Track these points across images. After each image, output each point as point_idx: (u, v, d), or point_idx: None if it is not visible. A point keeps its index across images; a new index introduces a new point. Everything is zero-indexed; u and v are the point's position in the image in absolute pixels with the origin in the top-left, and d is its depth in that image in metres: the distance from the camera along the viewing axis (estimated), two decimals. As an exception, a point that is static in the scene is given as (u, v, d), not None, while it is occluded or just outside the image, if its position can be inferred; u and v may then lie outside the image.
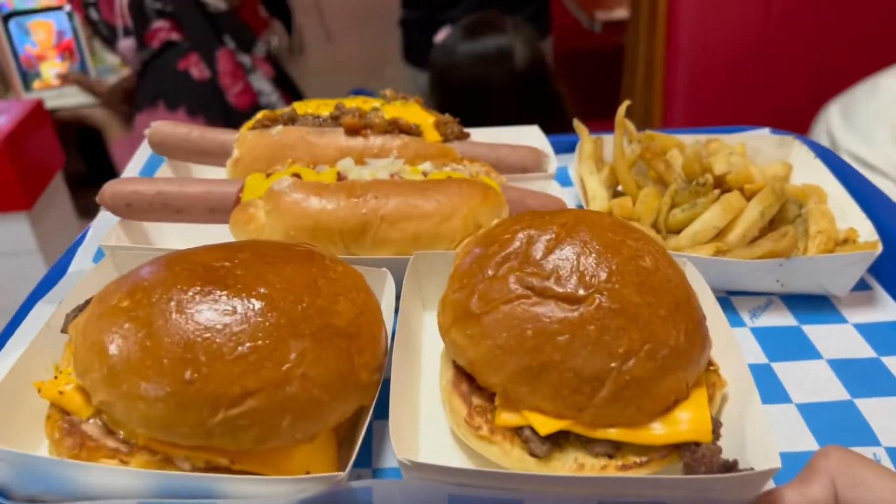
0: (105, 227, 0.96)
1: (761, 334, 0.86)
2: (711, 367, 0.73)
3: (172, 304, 0.61)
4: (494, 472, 0.62)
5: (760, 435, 0.64)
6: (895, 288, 0.92)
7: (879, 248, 0.88)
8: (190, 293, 0.62)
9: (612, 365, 0.64)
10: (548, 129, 1.19)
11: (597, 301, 0.65)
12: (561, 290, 0.66)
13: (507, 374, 0.66)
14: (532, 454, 0.66)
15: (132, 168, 1.16)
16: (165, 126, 1.09)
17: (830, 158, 1.13)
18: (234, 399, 0.58)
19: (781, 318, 0.89)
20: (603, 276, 0.67)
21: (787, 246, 0.86)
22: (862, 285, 0.93)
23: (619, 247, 0.70)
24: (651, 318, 0.66)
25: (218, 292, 0.62)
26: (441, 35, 2.52)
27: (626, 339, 0.64)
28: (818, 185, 1.01)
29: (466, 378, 0.72)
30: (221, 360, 0.59)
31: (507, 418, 0.67)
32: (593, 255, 0.68)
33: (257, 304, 0.62)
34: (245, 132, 1.05)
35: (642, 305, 0.66)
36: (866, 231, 0.93)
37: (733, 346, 0.73)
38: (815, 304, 0.91)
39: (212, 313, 0.61)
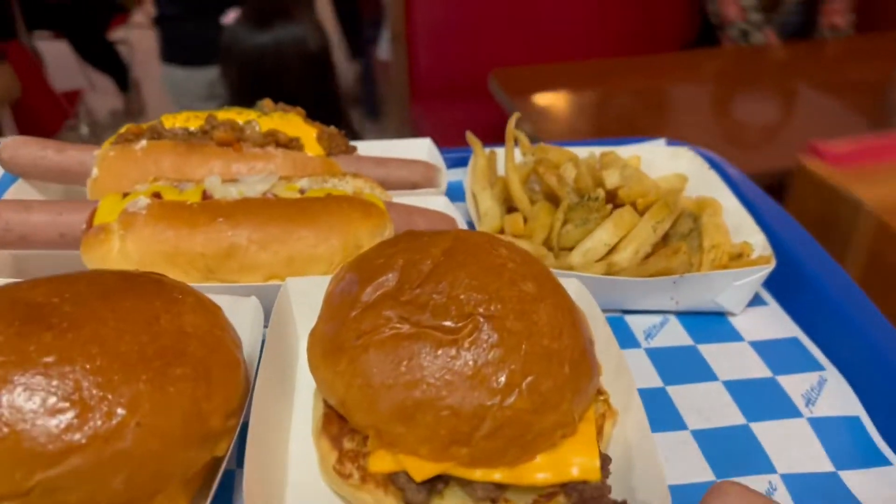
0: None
1: (656, 355, 0.83)
2: (601, 397, 0.69)
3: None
4: None
5: (651, 471, 0.60)
6: (790, 303, 0.91)
7: (773, 264, 0.86)
8: (3, 336, 0.53)
9: (493, 401, 0.58)
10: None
11: (475, 333, 0.60)
12: (437, 321, 0.60)
13: (379, 415, 0.60)
14: (408, 503, 0.60)
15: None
16: (17, 142, 0.98)
17: (723, 169, 1.11)
18: (53, 457, 0.50)
19: (677, 338, 0.86)
20: (482, 304, 0.61)
21: (680, 263, 0.83)
22: (757, 300, 0.91)
23: (500, 271, 0.64)
24: (533, 347, 0.61)
25: (38, 334, 0.54)
26: (230, 17, 2.44)
27: (506, 372, 0.59)
28: (712, 197, 0.99)
29: (338, 418, 0.65)
30: (38, 413, 0.51)
31: (381, 464, 0.61)
32: (472, 281, 0.63)
33: (84, 347, 0.54)
34: (106, 148, 0.96)
35: (524, 335, 0.61)
36: (760, 244, 0.91)
37: (624, 372, 0.69)
38: (710, 322, 0.88)
39: (28, 359, 0.52)
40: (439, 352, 0.59)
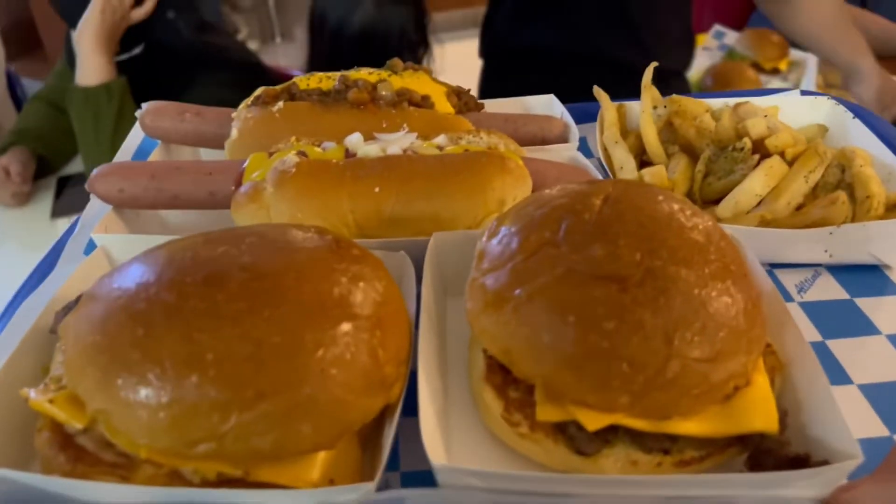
0: (96, 216, 0.88)
1: (812, 310, 0.79)
2: (768, 349, 0.67)
3: (172, 299, 0.54)
4: (540, 476, 0.55)
5: (831, 422, 0.58)
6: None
7: None
8: (191, 287, 0.55)
9: (667, 350, 0.57)
10: None
11: (646, 281, 0.58)
12: (605, 270, 0.59)
13: (548, 365, 0.59)
14: (579, 452, 0.60)
15: (123, 152, 1.08)
16: (157, 107, 1.01)
17: (868, 118, 1.06)
18: (247, 402, 0.52)
19: (831, 292, 0.82)
20: (651, 253, 0.60)
21: (839, 212, 0.80)
22: (912, 253, 0.87)
23: (668, 220, 0.63)
24: (706, 297, 0.59)
25: (225, 284, 0.55)
26: None
27: (679, 321, 0.57)
28: (860, 146, 0.94)
29: (500, 369, 0.65)
30: (230, 360, 0.52)
31: (550, 413, 0.60)
32: (639, 230, 0.61)
33: (268, 297, 0.55)
34: (243, 111, 0.98)
35: (695, 284, 0.59)
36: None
37: (790, 324, 0.67)
38: (865, 275, 0.84)
39: (217, 308, 0.54)
40: (609, 300, 0.58)
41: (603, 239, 0.61)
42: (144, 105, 1.01)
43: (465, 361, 0.71)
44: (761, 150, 0.89)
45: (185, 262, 0.58)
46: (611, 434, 0.60)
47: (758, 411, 0.59)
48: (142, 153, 1.09)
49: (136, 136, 1.11)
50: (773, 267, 0.86)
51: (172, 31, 2.26)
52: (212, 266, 0.57)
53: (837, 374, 0.72)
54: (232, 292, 0.55)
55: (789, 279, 0.84)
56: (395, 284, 0.66)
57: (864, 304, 0.80)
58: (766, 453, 0.58)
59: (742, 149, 0.87)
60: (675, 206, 0.64)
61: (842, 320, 0.78)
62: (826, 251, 0.82)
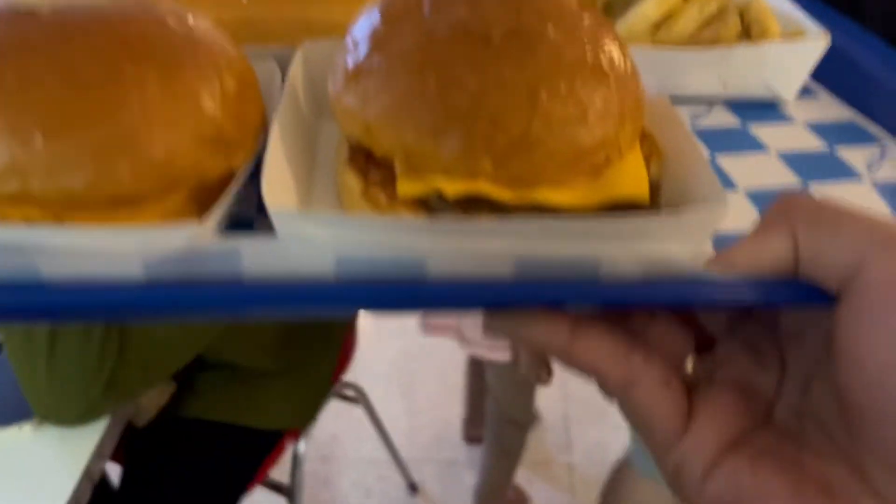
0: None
1: (703, 133, 0.77)
2: (648, 137, 0.63)
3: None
4: (388, 221, 0.50)
5: (701, 178, 0.55)
6: (842, 91, 0.84)
7: (828, 40, 0.79)
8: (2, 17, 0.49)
9: (530, 107, 0.53)
10: None
11: (512, 39, 0.54)
12: (468, 28, 0.55)
13: (408, 132, 0.54)
14: (438, 223, 0.56)
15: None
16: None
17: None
18: (53, 129, 0.45)
19: (725, 120, 0.80)
20: (519, 12, 0.56)
21: (729, 32, 0.77)
22: (808, 92, 0.85)
23: (539, -15, 0.59)
24: (576, 58, 0.55)
25: (35, 17, 0.49)
26: None
27: (545, 77, 0.53)
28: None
29: (364, 154, 0.60)
30: (37, 86, 0.46)
31: (410, 187, 0.56)
32: (507, -7, 0.57)
33: (84, 26, 0.49)
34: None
35: (565, 44, 0.55)
36: (813, 31, 0.84)
37: (675, 119, 0.63)
38: (760, 107, 0.82)
39: (27, 36, 0.48)
40: (471, 57, 0.54)
41: (468, 2, 0.57)
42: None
43: (335, 179, 0.66)
44: (659, -15, 0.86)
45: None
46: (475, 207, 0.56)
47: (627, 180, 0.56)
48: None
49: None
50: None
51: None
52: (24, 3, 0.51)
53: (724, 181, 0.69)
54: (44, 24, 0.49)
55: (684, 112, 0.81)
56: (247, 61, 0.61)
57: (757, 128, 0.78)
58: (637, 222, 0.55)
59: (638, -19, 0.84)
60: (550, -23, 0.60)
61: (733, 141, 0.76)
62: (720, 78, 0.80)
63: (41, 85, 0.46)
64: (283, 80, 0.68)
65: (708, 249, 0.51)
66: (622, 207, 0.56)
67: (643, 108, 0.60)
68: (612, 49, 0.57)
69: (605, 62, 0.56)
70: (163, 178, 0.49)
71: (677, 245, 0.51)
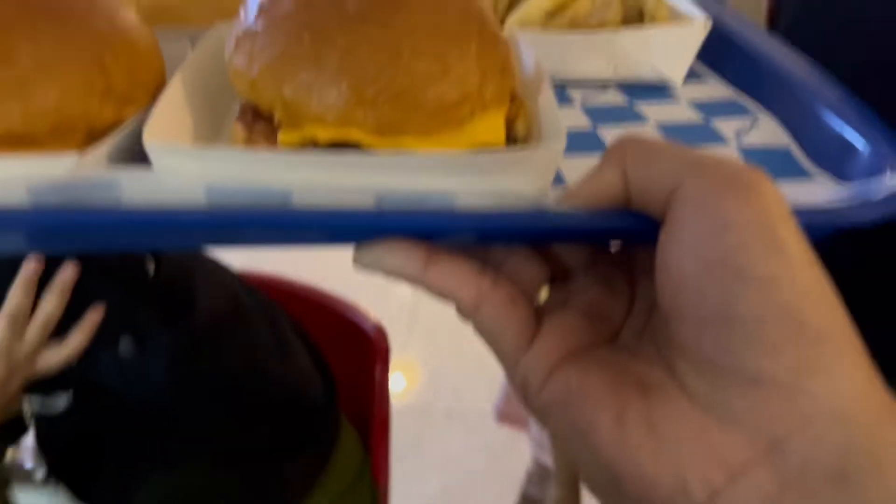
0: None
1: (590, 112, 0.83)
2: (517, 99, 0.69)
3: None
4: (256, 154, 0.56)
5: (552, 126, 0.60)
6: (728, 73, 0.90)
7: (709, 25, 0.86)
8: None
9: (394, 61, 0.59)
10: None
11: (380, 4, 0.60)
12: (341, -6, 0.61)
13: (285, 85, 0.60)
14: (313, 167, 0.61)
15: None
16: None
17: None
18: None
19: (614, 100, 0.86)
20: (388, -22, 0.62)
21: (613, 15, 0.83)
22: (696, 76, 0.91)
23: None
24: (443, 21, 0.61)
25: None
26: None
27: (411, 38, 0.59)
28: (662, -5, 0.99)
29: (252, 110, 0.66)
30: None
31: (289, 136, 0.61)
32: (379, -37, 0.63)
33: None
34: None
35: (432, 8, 0.61)
36: (700, 18, 0.90)
37: (545, 86, 0.69)
38: (650, 90, 0.88)
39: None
40: (342, 19, 0.60)
41: (340, -30, 0.63)
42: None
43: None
44: (558, -21, 0.93)
45: None
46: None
47: (487, 130, 0.62)
48: None
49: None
50: (565, 87, 0.89)
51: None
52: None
53: (600, 147, 0.75)
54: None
55: (576, 93, 0.87)
56: (149, 29, 0.67)
57: (641, 105, 0.84)
58: (492, 165, 0.60)
59: (537, -24, 0.91)
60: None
61: (616, 116, 0.81)
62: (609, 62, 0.86)
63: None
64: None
65: (549, 184, 0.56)
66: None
67: (512, 70, 0.66)
68: (478, 16, 0.63)
69: (469, 26, 0.62)
70: (52, 123, 0.55)
71: (523, 180, 0.56)
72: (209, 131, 0.70)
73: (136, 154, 0.57)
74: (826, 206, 0.61)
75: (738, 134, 0.77)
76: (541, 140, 0.62)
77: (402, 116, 0.59)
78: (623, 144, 0.55)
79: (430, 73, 0.59)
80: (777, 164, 0.72)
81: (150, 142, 0.53)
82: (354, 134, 0.60)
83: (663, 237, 0.48)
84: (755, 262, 0.42)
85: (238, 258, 1.61)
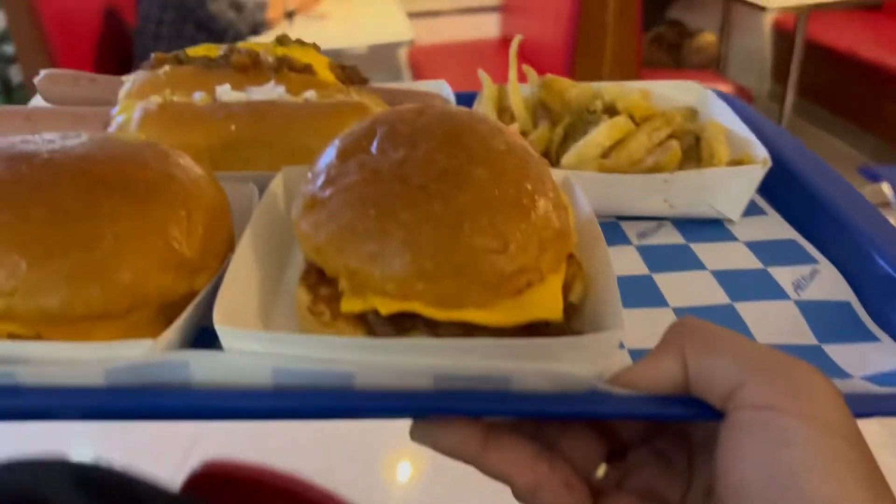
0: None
1: (646, 251, 0.83)
2: (573, 258, 0.70)
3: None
4: (317, 339, 0.57)
5: (608, 304, 0.61)
6: (789, 211, 0.90)
7: (768, 164, 0.86)
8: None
9: (455, 238, 0.60)
10: None
11: (442, 178, 0.62)
12: (405, 169, 0.63)
13: (350, 256, 0.62)
14: (373, 336, 0.62)
15: (23, 119, 1.13)
16: (54, 73, 1.06)
17: (736, 104, 1.11)
18: (36, 259, 0.54)
19: (670, 238, 0.86)
20: (451, 155, 0.64)
21: (670, 158, 0.84)
22: (757, 210, 0.91)
23: (472, 130, 0.67)
24: (499, 193, 0.62)
25: (29, 160, 0.59)
26: None
27: (470, 213, 0.61)
28: (716, 120, 0.99)
29: (317, 271, 0.68)
30: (24, 221, 0.55)
31: (353, 304, 0.63)
32: (444, 136, 0.66)
33: (70, 170, 0.58)
34: (134, 76, 1.02)
35: (489, 181, 0.63)
36: (761, 155, 0.90)
37: (600, 243, 0.70)
38: (706, 226, 0.88)
39: (18, 176, 0.57)
40: (406, 195, 0.62)
41: (408, 145, 0.65)
42: (42, 72, 1.06)
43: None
44: (615, 114, 0.94)
45: (3, 146, 0.62)
46: (409, 323, 0.63)
47: (544, 302, 0.63)
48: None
49: (36, 103, 1.15)
50: (619, 219, 0.90)
51: None
52: (26, 147, 0.61)
53: (656, 299, 0.75)
54: (36, 165, 0.58)
55: (633, 228, 0.88)
56: (221, 191, 0.70)
57: (698, 247, 0.84)
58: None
59: (594, 111, 0.92)
60: (483, 121, 0.69)
61: (672, 259, 0.82)
62: (666, 201, 0.87)
63: (28, 219, 0.55)
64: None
65: (611, 367, 0.57)
66: (539, 326, 0.62)
67: (569, 236, 0.67)
68: (533, 186, 0.64)
69: (525, 198, 0.63)
70: (129, 300, 0.57)
71: (580, 364, 0.57)
72: (274, 285, 0.73)
73: (206, 328, 0.59)
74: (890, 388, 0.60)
75: (797, 286, 0.76)
76: (597, 313, 0.63)
77: (461, 290, 0.61)
78: (681, 331, 0.56)
79: (489, 248, 0.61)
80: (838, 324, 0.72)
81: (220, 326, 0.55)
82: (415, 306, 0.61)
83: (725, 442, 0.48)
84: (815, 482, 0.43)
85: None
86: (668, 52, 4.56)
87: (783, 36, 5.05)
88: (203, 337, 0.62)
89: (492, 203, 0.62)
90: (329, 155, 0.69)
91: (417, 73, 4.59)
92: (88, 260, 0.55)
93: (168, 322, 0.63)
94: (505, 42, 4.88)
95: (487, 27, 5.14)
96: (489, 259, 0.61)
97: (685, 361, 0.54)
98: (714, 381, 0.51)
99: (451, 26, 5.21)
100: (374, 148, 0.66)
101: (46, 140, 0.63)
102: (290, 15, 3.98)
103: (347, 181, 0.65)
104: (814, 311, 0.73)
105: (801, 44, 4.02)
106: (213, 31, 3.64)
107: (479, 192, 0.62)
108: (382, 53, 3.86)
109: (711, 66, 4.64)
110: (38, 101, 1.15)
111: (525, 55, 4.33)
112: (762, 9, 3.89)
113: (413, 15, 5.02)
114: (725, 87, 3.74)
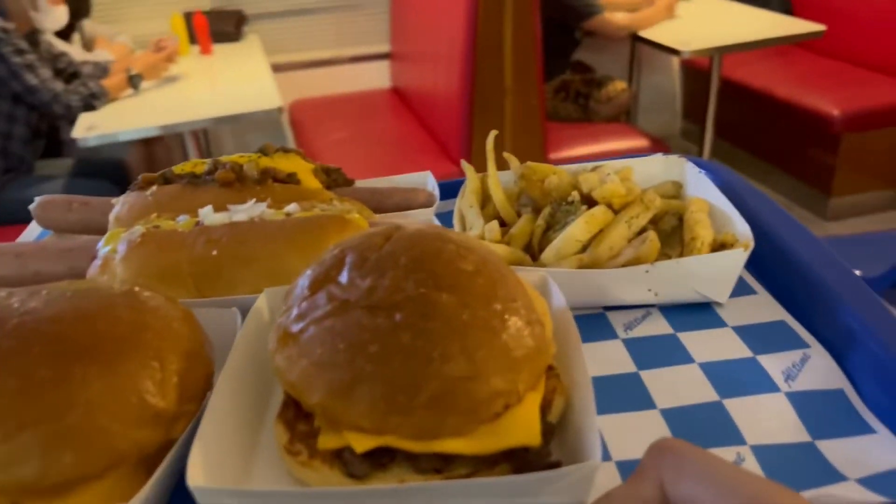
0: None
1: (633, 344, 0.82)
2: (552, 371, 0.69)
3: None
4: (294, 492, 0.57)
5: (586, 431, 0.60)
6: (777, 288, 0.89)
7: (750, 247, 0.85)
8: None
9: (428, 369, 0.60)
10: None
11: (408, 307, 0.62)
12: (372, 300, 0.63)
13: (322, 393, 0.62)
14: (351, 476, 0.62)
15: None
16: (47, 200, 1.08)
17: (719, 172, 1.11)
18: (8, 433, 0.55)
19: (657, 328, 0.85)
20: (417, 282, 0.64)
21: (649, 250, 0.84)
22: (746, 289, 0.90)
23: (438, 253, 0.67)
24: (470, 320, 0.62)
25: (-1, 327, 0.60)
26: None
27: (440, 341, 0.61)
28: (699, 197, 0.99)
29: (294, 405, 0.68)
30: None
31: (329, 441, 0.63)
32: (410, 263, 0.66)
33: (40, 336, 0.59)
34: (121, 197, 1.05)
35: (458, 306, 0.63)
36: (744, 234, 0.90)
37: (578, 352, 0.69)
38: (694, 312, 0.87)
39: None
40: (374, 327, 0.62)
41: (375, 273, 0.65)
42: (36, 199, 1.09)
43: None
44: (592, 202, 0.94)
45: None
46: (386, 457, 0.63)
47: (522, 427, 0.62)
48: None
49: (33, 229, 1.18)
50: (606, 310, 0.89)
51: None
52: (-3, 313, 0.62)
53: (643, 401, 0.74)
54: (7, 331, 0.59)
55: (619, 319, 0.87)
56: (197, 330, 0.70)
57: (686, 337, 0.83)
58: (528, 466, 0.60)
59: (572, 202, 0.92)
60: (451, 243, 0.69)
61: (659, 352, 0.81)
62: (650, 290, 0.86)
63: (1, 390, 0.56)
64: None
65: (591, 494, 0.56)
66: (518, 451, 0.61)
67: (545, 351, 0.66)
68: (503, 306, 0.64)
69: (495, 320, 0.63)
70: (105, 461, 0.58)
71: (561, 497, 0.56)
72: (257, 417, 0.73)
73: (183, 478, 0.60)
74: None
75: (788, 375, 0.75)
76: (577, 431, 0.62)
77: (437, 421, 0.60)
78: (659, 454, 0.55)
79: (462, 376, 0.60)
80: (832, 415, 0.70)
81: (194, 486, 0.55)
82: (391, 440, 0.61)
83: None
84: None
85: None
86: (576, 103, 4.06)
87: (695, 74, 4.86)
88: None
89: (461, 329, 0.62)
90: (301, 286, 0.69)
91: (299, 131, 4.24)
92: (61, 427, 0.56)
93: (148, 472, 0.63)
94: (396, 92, 4.62)
95: (378, 76, 4.80)
96: (462, 387, 0.60)
97: (663, 487, 0.53)
98: None
99: (340, 76, 4.82)
100: (343, 278, 0.67)
101: (19, 299, 0.64)
102: (133, 81, 3.43)
103: (317, 314, 0.65)
104: (806, 403, 0.72)
105: (717, 85, 3.82)
106: (36, 106, 3.26)
107: (447, 319, 0.62)
108: (259, 114, 3.32)
109: (622, 115, 4.18)
110: (33, 227, 1.17)
111: (419, 108, 4.00)
112: (676, 52, 3.66)
113: (295, 65, 4.69)
114: (640, 142, 3.67)
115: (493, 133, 1.04)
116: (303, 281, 0.70)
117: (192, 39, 4.10)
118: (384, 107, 4.43)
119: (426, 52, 3.92)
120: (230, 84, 3.67)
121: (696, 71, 4.76)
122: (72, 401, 0.57)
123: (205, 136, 4.23)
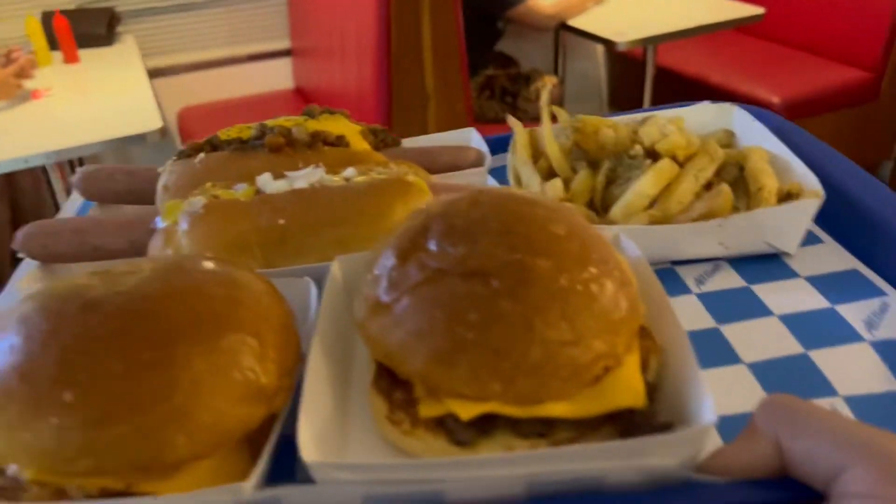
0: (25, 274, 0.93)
1: (708, 299, 0.82)
2: (644, 331, 0.69)
3: (49, 326, 0.58)
4: (406, 463, 0.57)
5: (698, 395, 0.60)
6: (847, 238, 0.88)
7: (821, 197, 0.84)
8: (68, 313, 0.59)
9: (527, 336, 0.59)
10: None
11: (505, 273, 0.62)
12: (468, 267, 0.63)
13: (422, 362, 0.62)
14: (457, 443, 0.62)
15: (63, 215, 1.14)
16: (90, 169, 1.06)
17: (771, 119, 1.09)
18: (120, 416, 0.54)
19: (729, 281, 0.85)
20: (511, 248, 0.63)
21: (723, 203, 0.83)
22: (813, 239, 0.90)
23: (530, 217, 0.66)
24: (569, 285, 0.62)
25: (97, 309, 0.59)
26: None
27: (539, 307, 0.60)
28: (758, 145, 0.98)
29: (387, 374, 0.68)
30: (103, 377, 0.55)
31: (430, 409, 0.63)
32: (501, 227, 0.65)
33: (140, 317, 0.58)
34: (168, 165, 1.03)
35: (554, 272, 0.62)
36: (811, 183, 0.89)
37: (667, 310, 0.69)
38: (764, 264, 0.87)
39: (90, 331, 0.57)
40: (472, 295, 0.61)
41: (467, 239, 0.64)
42: (78, 170, 1.07)
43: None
44: (656, 156, 0.93)
45: (60, 288, 0.62)
46: (489, 424, 0.62)
47: (625, 388, 0.62)
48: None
49: (75, 200, 1.16)
50: (674, 264, 0.88)
51: None
52: (90, 293, 0.61)
53: (728, 356, 0.74)
54: (106, 314, 0.58)
55: (689, 273, 0.87)
56: (282, 302, 0.69)
57: (759, 289, 0.83)
58: (636, 427, 0.60)
59: (635, 156, 0.91)
60: (539, 206, 0.68)
61: (736, 306, 0.80)
62: (721, 244, 0.85)
63: (107, 376, 0.55)
64: (319, 294, 0.77)
65: (697, 458, 0.56)
66: (622, 414, 0.61)
67: (638, 312, 0.66)
68: (598, 269, 0.64)
69: (592, 284, 0.62)
70: (213, 439, 0.58)
71: (672, 458, 0.56)
72: (345, 390, 0.72)
73: (289, 436, 0.59)
74: None
75: (869, 324, 0.75)
76: (678, 389, 0.62)
77: (539, 386, 0.60)
78: (772, 411, 0.55)
79: (563, 341, 0.60)
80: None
81: (310, 461, 0.55)
82: (494, 406, 0.61)
83: None
84: None
85: None
86: (503, 102, 3.62)
87: (622, 60, 4.46)
88: (288, 449, 0.62)
89: (560, 294, 0.61)
90: (388, 256, 0.68)
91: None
92: (169, 409, 0.55)
93: (252, 445, 0.63)
94: (301, 92, 4.14)
95: (279, 76, 4.29)
96: (564, 352, 0.60)
97: (779, 444, 0.54)
98: (816, 465, 0.51)
99: (235, 78, 4.26)
100: (432, 245, 0.66)
101: (105, 279, 0.63)
102: None
103: (410, 283, 0.64)
104: (892, 351, 0.71)
105: (652, 74, 3.51)
106: None
107: (545, 284, 0.61)
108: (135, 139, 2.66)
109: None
110: (75, 198, 1.16)
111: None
112: (612, 43, 3.32)
113: (182, 68, 4.13)
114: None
115: (549, 84, 1.02)
116: (388, 250, 0.69)
117: (54, 45, 3.42)
118: (288, 109, 3.77)
119: (332, 46, 3.48)
120: (102, 99, 3.05)
121: (622, 57, 4.35)
122: (177, 382, 0.56)
123: (80, 163, 3.17)
